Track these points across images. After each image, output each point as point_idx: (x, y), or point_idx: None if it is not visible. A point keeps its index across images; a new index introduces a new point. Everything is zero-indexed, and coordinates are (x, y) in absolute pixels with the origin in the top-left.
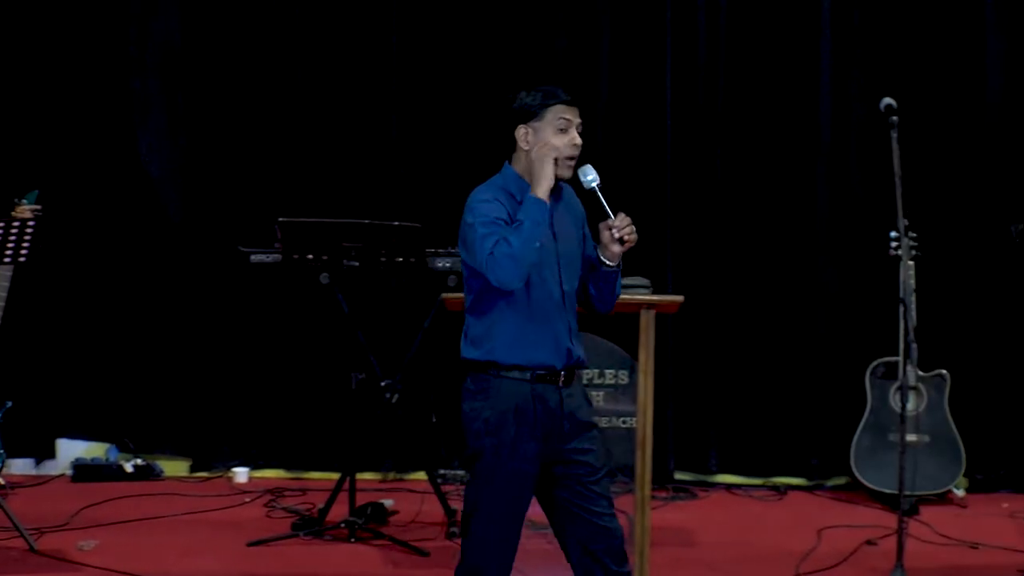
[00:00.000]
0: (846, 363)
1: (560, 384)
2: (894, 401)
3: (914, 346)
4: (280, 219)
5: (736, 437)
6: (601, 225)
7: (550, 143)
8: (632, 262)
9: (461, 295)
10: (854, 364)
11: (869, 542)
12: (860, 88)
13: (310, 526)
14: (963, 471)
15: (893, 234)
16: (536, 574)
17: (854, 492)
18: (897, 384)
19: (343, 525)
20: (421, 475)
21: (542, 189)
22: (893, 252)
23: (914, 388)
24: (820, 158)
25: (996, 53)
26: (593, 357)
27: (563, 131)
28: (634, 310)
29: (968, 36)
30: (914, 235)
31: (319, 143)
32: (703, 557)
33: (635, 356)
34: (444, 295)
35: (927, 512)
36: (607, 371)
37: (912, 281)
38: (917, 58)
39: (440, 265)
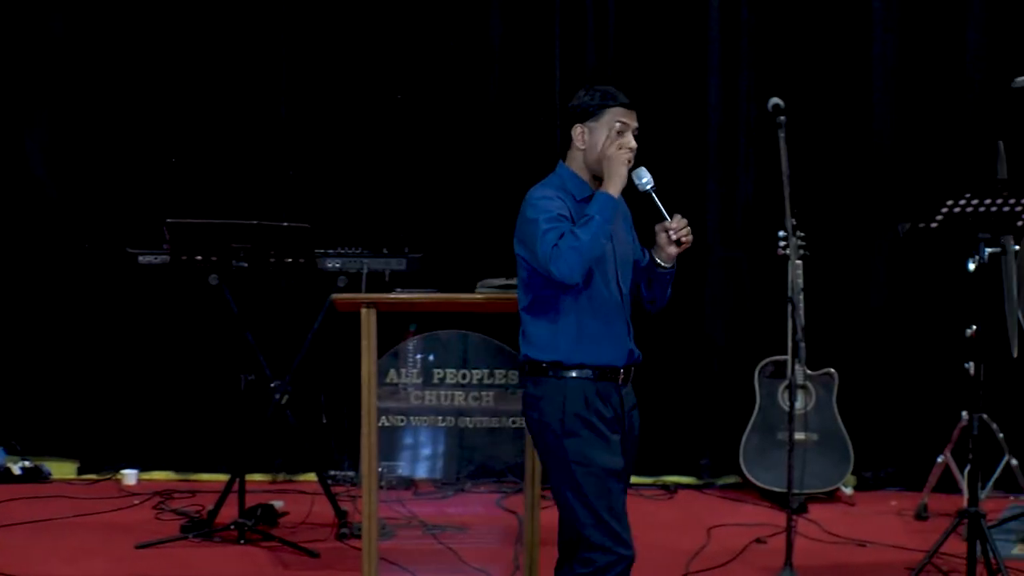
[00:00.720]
0: (735, 362)
1: (620, 382)
2: (782, 400)
3: (802, 345)
4: (168, 220)
5: None
6: (657, 227)
7: (606, 143)
8: (513, 261)
9: (350, 295)
10: (743, 363)
11: (758, 540)
12: (749, 87)
13: (199, 528)
14: (851, 469)
15: (781, 233)
16: (426, 574)
17: (743, 491)
18: (786, 383)
19: (232, 527)
20: (311, 476)
21: (615, 187)
22: (781, 251)
23: (802, 387)
24: (709, 157)
25: (882, 53)
26: (482, 357)
27: (619, 134)
28: None
29: (856, 36)
30: (802, 234)
31: (208, 143)
32: None
33: None
34: (334, 296)
35: (816, 510)
36: (496, 371)
37: (800, 280)
38: (806, 57)
39: (330, 266)
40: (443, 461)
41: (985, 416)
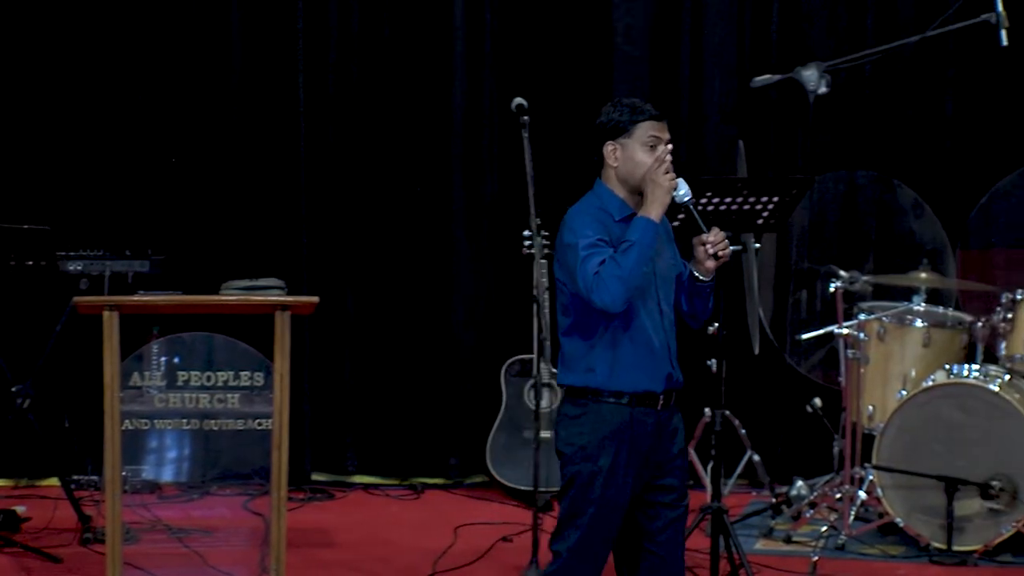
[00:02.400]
0: (483, 362)
1: (659, 408)
2: (528, 398)
3: (548, 344)
4: None
5: (375, 438)
6: (695, 240)
7: (654, 167)
8: (265, 262)
9: (92, 298)
10: (491, 363)
11: (505, 539)
12: (493, 87)
13: None
14: None
15: (526, 233)
16: None
17: (491, 490)
18: (531, 381)
19: None
20: (54, 481)
21: (656, 212)
22: (526, 251)
23: (548, 385)
24: (456, 157)
25: (624, 53)
26: (227, 359)
27: (652, 148)
28: (268, 311)
29: (596, 35)
30: (546, 234)
31: None
32: (340, 558)
33: (271, 357)
34: (76, 299)
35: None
36: (242, 373)
37: (545, 279)
38: (549, 56)
39: (71, 268)
40: (188, 464)
41: (728, 412)
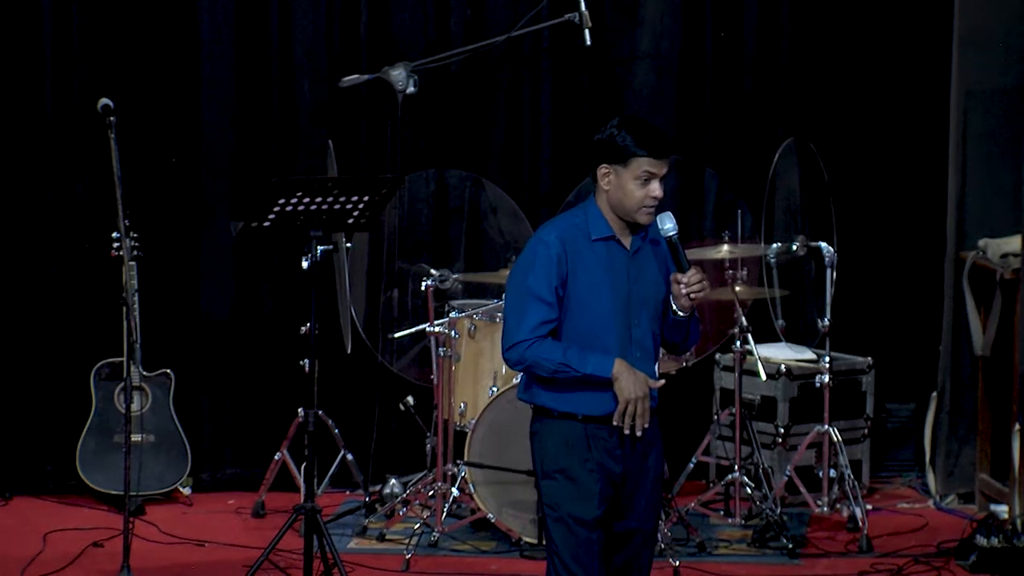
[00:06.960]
0: (75, 366)
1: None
2: (118, 402)
3: (138, 346)
4: None
5: None
6: (672, 276)
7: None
8: None
9: None
10: (83, 366)
11: (96, 544)
12: (84, 87)
13: None
14: (189, 470)
15: (115, 235)
16: None
17: (82, 495)
18: (121, 384)
19: None
20: None
21: (619, 385)
22: (115, 253)
23: (139, 388)
24: (47, 158)
25: (211, 52)
26: None
27: (644, 183)
28: None
29: (184, 37)
30: (136, 235)
31: None
32: None
33: None
34: None
35: (154, 512)
36: None
37: (134, 281)
38: (136, 58)
39: None
40: None
41: (321, 412)
